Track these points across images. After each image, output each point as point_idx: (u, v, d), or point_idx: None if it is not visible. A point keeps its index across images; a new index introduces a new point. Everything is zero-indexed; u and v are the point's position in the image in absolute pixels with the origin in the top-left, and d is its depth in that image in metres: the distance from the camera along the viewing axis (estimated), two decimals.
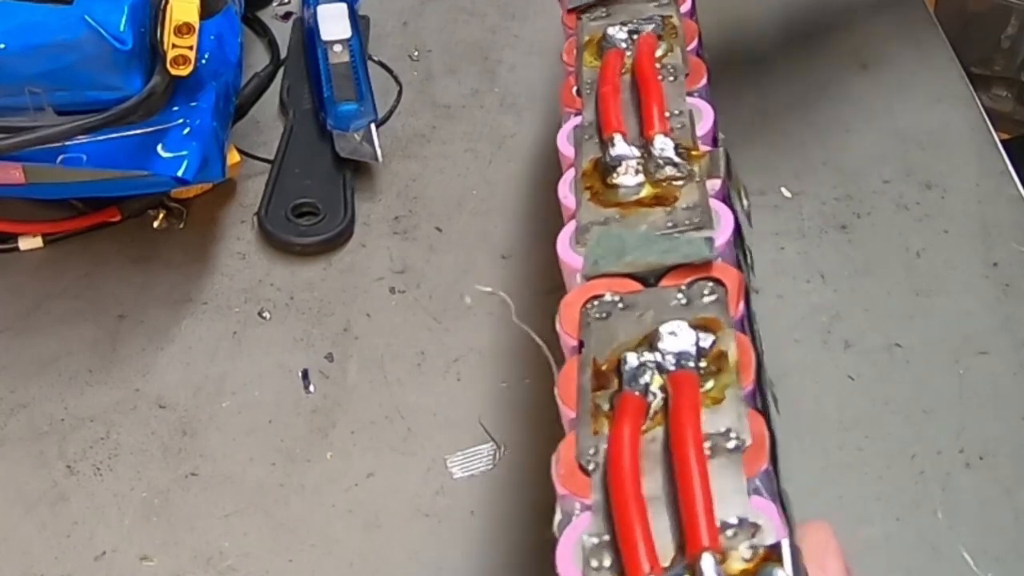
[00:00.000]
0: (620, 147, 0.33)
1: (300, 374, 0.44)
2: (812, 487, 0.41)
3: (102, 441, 0.42)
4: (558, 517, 0.26)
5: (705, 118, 0.35)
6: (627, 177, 0.33)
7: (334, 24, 0.55)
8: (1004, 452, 0.41)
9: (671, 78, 0.36)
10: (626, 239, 0.30)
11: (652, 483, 0.26)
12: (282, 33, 0.57)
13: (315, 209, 0.49)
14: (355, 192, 0.50)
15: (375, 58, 0.57)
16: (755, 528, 0.25)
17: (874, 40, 0.58)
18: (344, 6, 0.56)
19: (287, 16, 0.59)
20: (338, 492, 0.40)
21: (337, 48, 0.54)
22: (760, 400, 0.28)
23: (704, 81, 0.37)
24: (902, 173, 0.52)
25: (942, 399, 0.43)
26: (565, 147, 0.35)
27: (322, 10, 0.56)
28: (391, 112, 0.54)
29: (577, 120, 0.36)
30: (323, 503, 0.40)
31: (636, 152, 0.33)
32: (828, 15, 0.60)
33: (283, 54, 0.56)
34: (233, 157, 0.49)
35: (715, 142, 0.35)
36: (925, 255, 0.48)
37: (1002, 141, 0.54)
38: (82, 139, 0.42)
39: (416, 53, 0.57)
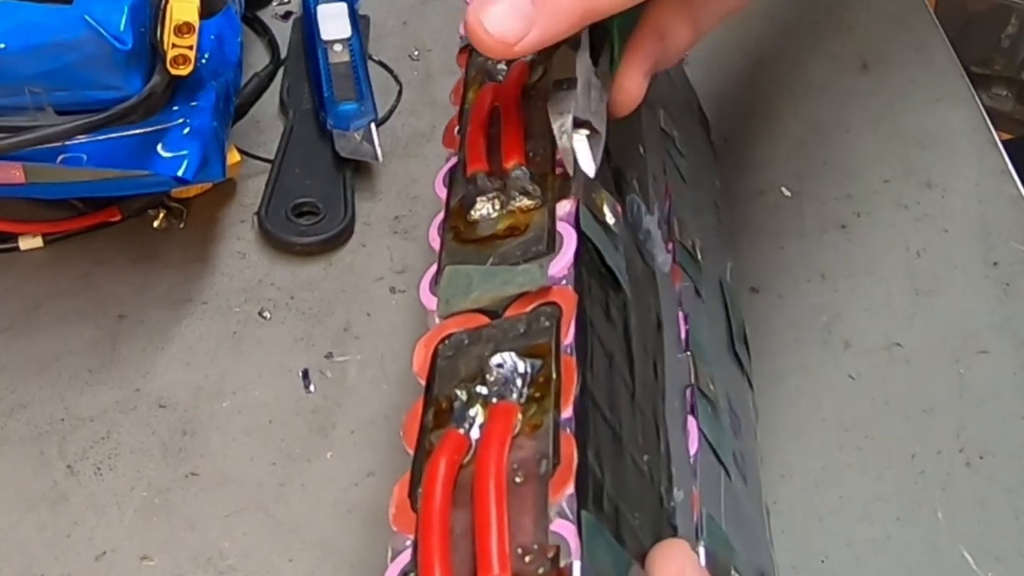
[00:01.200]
0: (481, 183, 0.33)
1: (300, 374, 0.44)
2: (812, 487, 0.41)
3: (102, 441, 0.42)
4: (389, 554, 0.27)
5: None
6: (484, 211, 0.32)
7: (334, 24, 0.55)
8: (1004, 452, 0.41)
9: (540, 101, 0.36)
10: (472, 275, 0.31)
11: (465, 517, 0.26)
12: (282, 33, 0.57)
13: (315, 209, 0.49)
14: (355, 192, 0.50)
15: (375, 58, 0.57)
16: (554, 551, 0.25)
17: (874, 40, 0.58)
18: (344, 6, 0.56)
19: (287, 16, 0.59)
20: (338, 492, 0.40)
21: (337, 48, 0.54)
22: (578, 423, 0.28)
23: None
24: (902, 173, 0.52)
25: (942, 399, 0.43)
26: (440, 189, 0.35)
27: (322, 10, 0.55)
28: (391, 112, 0.54)
29: (454, 160, 0.36)
30: (323, 503, 0.40)
31: (494, 185, 0.33)
32: (828, 15, 0.60)
33: (283, 54, 0.56)
34: (233, 157, 0.49)
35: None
36: (925, 255, 0.48)
37: (1002, 141, 0.54)
38: (82, 139, 0.42)
39: (416, 53, 0.57)
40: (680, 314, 0.36)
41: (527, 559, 0.25)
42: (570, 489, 0.26)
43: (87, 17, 0.40)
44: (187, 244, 0.49)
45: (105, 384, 0.43)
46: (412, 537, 0.27)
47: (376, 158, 0.50)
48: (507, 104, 0.35)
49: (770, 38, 0.59)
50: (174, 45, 0.41)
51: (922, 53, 0.58)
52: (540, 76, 0.36)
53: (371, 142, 0.51)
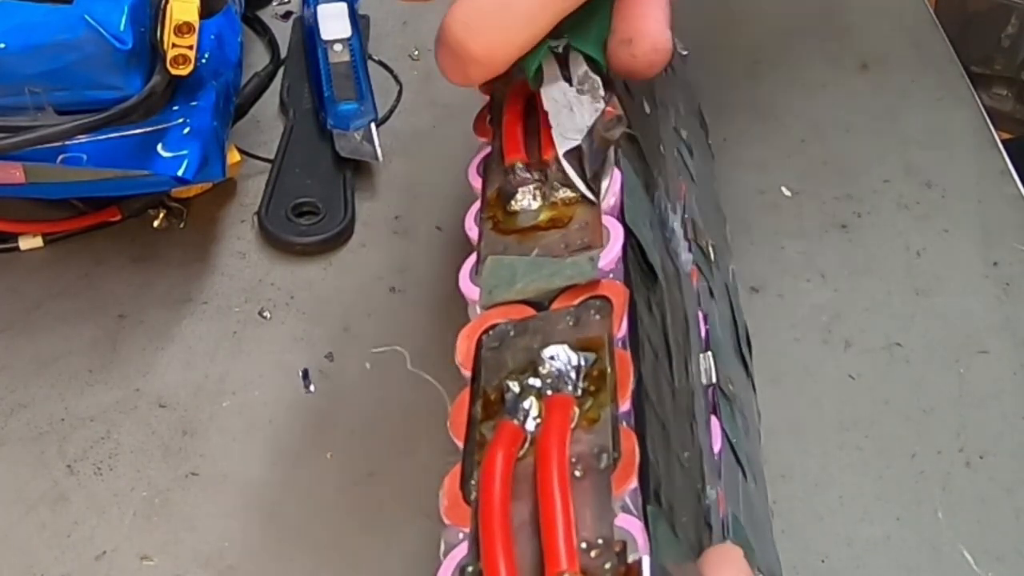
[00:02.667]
0: (520, 173, 0.33)
1: (300, 374, 0.44)
2: (812, 487, 0.41)
3: (102, 441, 0.42)
4: (442, 547, 0.27)
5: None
6: (525, 203, 0.32)
7: (334, 23, 0.55)
8: (1004, 452, 0.41)
9: None
10: (517, 266, 0.30)
11: (525, 509, 0.26)
12: (282, 33, 0.57)
13: (315, 209, 0.49)
14: (355, 192, 0.50)
15: (375, 58, 0.57)
16: (621, 546, 0.25)
17: (874, 40, 0.58)
18: (344, 5, 0.56)
19: (287, 16, 0.59)
20: (338, 492, 0.40)
21: (337, 48, 0.54)
22: (637, 418, 0.28)
23: (612, 95, 0.36)
24: (902, 173, 0.52)
25: (942, 399, 0.43)
26: (473, 178, 0.35)
27: (322, 10, 0.55)
28: (391, 111, 0.54)
29: (487, 150, 0.36)
30: (323, 503, 0.40)
31: (535, 177, 0.33)
32: (828, 15, 0.60)
33: (283, 54, 0.56)
34: (233, 157, 0.49)
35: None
36: (925, 255, 0.48)
37: (1002, 141, 0.54)
38: (82, 139, 0.42)
39: (416, 52, 0.57)
40: (700, 313, 0.36)
41: (592, 554, 0.25)
42: (633, 483, 0.26)
43: (87, 17, 0.40)
44: (187, 244, 0.49)
45: (105, 384, 0.43)
46: (466, 530, 0.27)
47: (376, 158, 0.50)
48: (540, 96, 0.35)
49: (770, 38, 0.59)
50: (174, 45, 0.41)
51: (922, 53, 0.58)
52: None
53: (371, 142, 0.51)
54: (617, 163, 0.32)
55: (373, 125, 0.51)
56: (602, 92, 0.34)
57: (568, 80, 0.34)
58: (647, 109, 0.38)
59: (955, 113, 0.55)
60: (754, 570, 0.30)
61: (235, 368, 0.44)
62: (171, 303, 0.46)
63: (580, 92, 0.33)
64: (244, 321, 0.46)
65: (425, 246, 0.49)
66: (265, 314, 0.46)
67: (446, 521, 0.27)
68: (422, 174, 0.52)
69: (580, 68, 0.34)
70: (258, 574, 0.38)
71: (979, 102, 0.56)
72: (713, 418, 0.34)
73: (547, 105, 0.33)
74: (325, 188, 0.50)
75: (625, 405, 0.27)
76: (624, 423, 0.27)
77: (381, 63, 0.56)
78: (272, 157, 0.51)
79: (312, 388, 0.44)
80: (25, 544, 0.39)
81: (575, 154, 0.32)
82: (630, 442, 0.26)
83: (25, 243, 0.48)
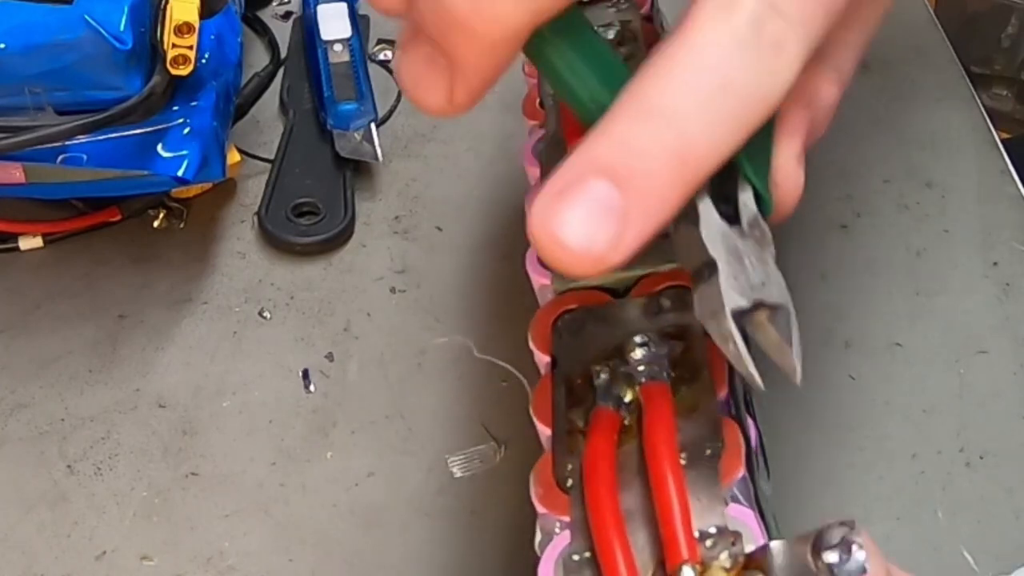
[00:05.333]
0: None
1: (300, 374, 0.44)
2: (812, 487, 0.41)
3: (102, 441, 0.42)
4: (538, 537, 0.26)
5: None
6: None
7: (334, 24, 0.55)
8: (1004, 452, 0.41)
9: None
10: None
11: (630, 497, 0.26)
12: (282, 33, 0.57)
13: (315, 209, 0.49)
14: (355, 192, 0.50)
15: (375, 58, 0.57)
16: (735, 536, 0.24)
17: (874, 40, 0.58)
18: (344, 6, 0.56)
19: (287, 16, 0.59)
20: (338, 492, 0.40)
21: (337, 48, 0.54)
22: (734, 407, 0.27)
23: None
24: (902, 173, 0.52)
25: (942, 399, 0.43)
26: (530, 162, 0.34)
27: (322, 10, 0.56)
28: (391, 111, 0.54)
29: (540, 133, 0.35)
30: (323, 503, 0.40)
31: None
32: None
33: (283, 54, 0.56)
34: (233, 157, 0.49)
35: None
36: (925, 255, 0.48)
37: (1002, 140, 0.54)
38: (82, 139, 0.42)
39: None
40: None
41: (708, 543, 0.24)
42: (742, 472, 0.25)
43: (87, 17, 0.40)
44: (187, 244, 0.49)
45: (105, 384, 0.43)
46: (564, 519, 0.26)
47: (376, 158, 0.50)
48: None
49: None
50: (174, 45, 0.41)
51: (922, 53, 0.58)
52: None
53: (371, 142, 0.51)
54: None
55: (373, 125, 0.51)
56: (771, 246, 0.27)
57: (726, 214, 0.26)
58: None
59: (955, 113, 0.55)
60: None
61: (235, 368, 0.44)
62: (171, 303, 0.46)
63: (747, 238, 0.26)
64: (244, 321, 0.46)
65: (425, 246, 0.49)
66: (265, 314, 0.46)
67: (541, 509, 0.27)
68: (422, 174, 0.52)
69: (751, 207, 0.27)
70: (258, 574, 0.38)
71: (979, 102, 0.56)
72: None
73: (712, 251, 0.25)
74: (325, 188, 0.50)
75: (722, 394, 0.27)
76: (724, 412, 0.27)
77: (381, 63, 0.56)
78: (272, 157, 0.51)
79: (312, 388, 0.44)
80: (25, 544, 0.39)
81: (738, 319, 0.25)
82: (733, 431, 0.26)
83: (25, 243, 0.48)
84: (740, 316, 0.25)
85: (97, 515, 0.40)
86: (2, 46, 0.40)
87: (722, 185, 0.26)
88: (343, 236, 0.49)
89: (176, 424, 0.42)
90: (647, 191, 0.23)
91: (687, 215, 0.25)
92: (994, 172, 0.52)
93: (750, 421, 0.33)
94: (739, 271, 0.25)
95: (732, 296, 0.25)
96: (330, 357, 0.45)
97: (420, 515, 0.40)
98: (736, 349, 0.25)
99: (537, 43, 0.26)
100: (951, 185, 0.51)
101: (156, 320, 0.46)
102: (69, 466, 0.41)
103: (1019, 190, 0.51)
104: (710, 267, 0.25)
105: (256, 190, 0.50)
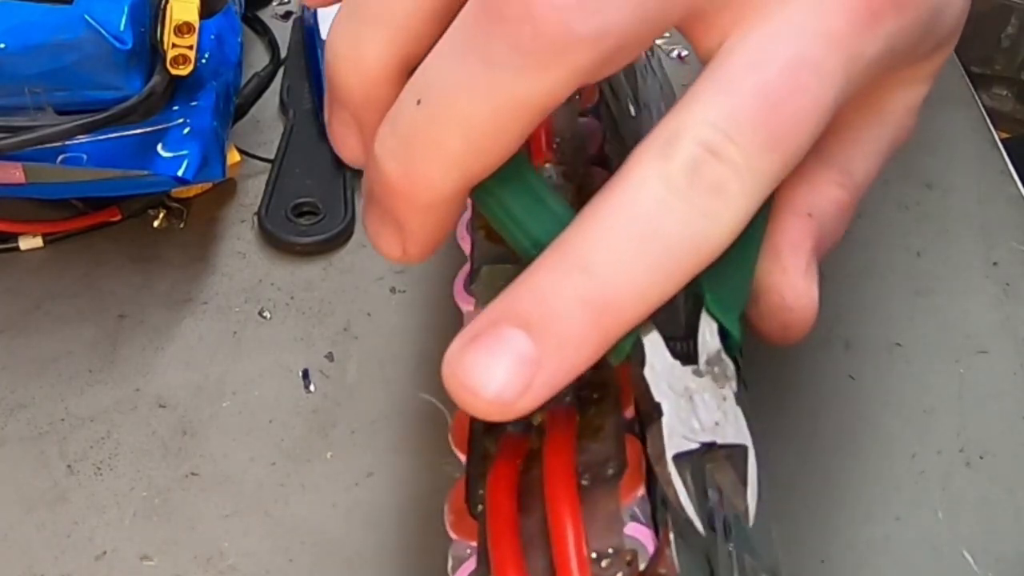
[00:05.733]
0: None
1: (300, 374, 0.44)
2: (812, 487, 0.41)
3: (102, 441, 0.42)
4: (450, 563, 0.27)
5: (593, 139, 0.34)
6: None
7: None
8: (1004, 452, 0.41)
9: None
10: (513, 276, 0.30)
11: (532, 522, 0.26)
12: (282, 33, 0.57)
13: (315, 209, 0.49)
14: (355, 192, 0.50)
15: None
16: (631, 555, 0.25)
17: None
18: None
19: (287, 16, 0.59)
20: (338, 492, 0.40)
21: None
22: (639, 425, 0.27)
23: (596, 99, 0.36)
24: (902, 173, 0.52)
25: (942, 399, 0.43)
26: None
27: (322, 10, 0.55)
28: None
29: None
30: (323, 503, 0.40)
31: (556, 177, 0.32)
32: None
33: (283, 54, 0.56)
34: (233, 157, 0.49)
35: (602, 154, 0.34)
36: (925, 255, 0.48)
37: (1002, 140, 0.54)
38: (82, 139, 0.42)
39: None
40: None
41: (603, 563, 0.24)
42: (641, 491, 0.25)
43: (87, 17, 0.40)
44: (187, 244, 0.49)
45: (105, 384, 0.43)
46: (474, 544, 0.26)
47: None
48: None
49: None
50: (174, 45, 0.41)
51: None
52: None
53: None
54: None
55: None
56: (733, 382, 0.26)
57: (680, 352, 0.26)
58: (632, 112, 0.38)
59: (955, 113, 0.55)
60: (759, 572, 0.30)
61: (235, 368, 0.44)
62: (171, 303, 0.46)
63: (702, 376, 0.26)
64: (244, 321, 0.46)
65: None
66: (265, 314, 0.46)
67: (453, 536, 0.27)
68: None
69: (712, 343, 0.26)
70: (258, 574, 0.38)
71: (979, 102, 0.56)
72: None
73: (657, 395, 0.25)
74: (325, 188, 0.50)
75: (629, 412, 0.27)
76: (629, 430, 0.27)
77: None
78: (272, 157, 0.51)
79: (312, 388, 0.44)
80: (25, 544, 0.39)
81: (685, 462, 0.25)
82: (635, 449, 0.26)
83: (25, 243, 0.48)
84: (688, 458, 0.25)
85: (97, 515, 0.40)
86: (2, 46, 0.40)
87: (691, 317, 0.26)
88: (343, 236, 0.49)
89: (176, 424, 0.42)
90: (561, 342, 0.23)
91: (636, 354, 0.25)
92: (994, 172, 0.52)
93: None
94: (688, 413, 0.25)
95: (676, 440, 0.25)
96: (330, 357, 0.45)
97: (420, 515, 0.40)
98: (675, 495, 0.25)
99: (477, 193, 0.26)
100: (951, 185, 0.51)
101: (156, 320, 0.46)
102: (69, 466, 0.41)
103: (1019, 190, 0.51)
104: (657, 410, 0.25)
105: (256, 190, 0.50)
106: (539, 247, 0.25)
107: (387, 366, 0.44)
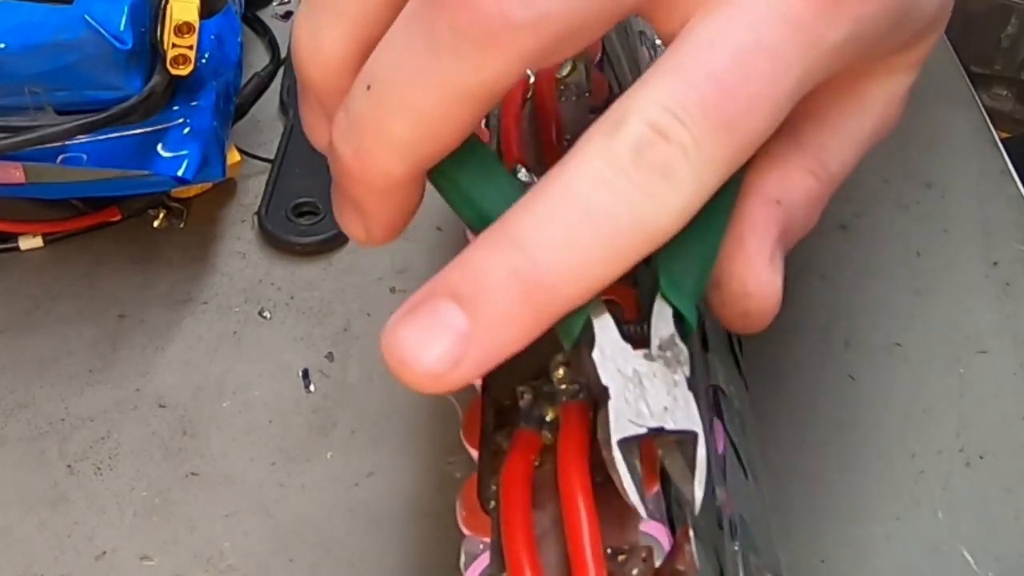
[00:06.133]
0: (522, 176, 0.32)
1: (300, 374, 0.44)
2: (812, 487, 0.41)
3: (102, 441, 0.42)
4: (463, 558, 0.27)
5: None
6: None
7: None
8: (1004, 451, 0.41)
9: (573, 97, 0.35)
10: None
11: (546, 518, 0.26)
12: (282, 33, 0.57)
13: (315, 209, 0.49)
14: None
15: None
16: (647, 551, 0.25)
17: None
18: None
19: (287, 16, 0.59)
20: (338, 492, 0.40)
21: None
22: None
23: (606, 97, 0.36)
24: (902, 173, 0.52)
25: (942, 398, 0.43)
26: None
27: None
28: None
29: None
30: (323, 503, 0.40)
31: (536, 180, 0.32)
32: None
33: (283, 54, 0.56)
34: (233, 156, 0.49)
35: None
36: (925, 255, 0.48)
37: (1002, 140, 0.54)
38: (82, 138, 0.42)
39: None
40: None
41: (619, 559, 0.24)
42: (656, 488, 0.25)
43: (87, 17, 0.40)
44: (187, 244, 0.49)
45: (105, 384, 0.43)
46: (487, 540, 0.26)
47: None
48: (542, 96, 0.35)
49: None
50: (174, 45, 0.41)
51: None
52: (570, 71, 0.36)
53: None
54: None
55: None
56: (685, 367, 0.25)
57: (633, 335, 0.25)
58: None
59: (955, 113, 0.55)
60: (764, 572, 0.30)
61: (235, 368, 0.44)
62: (171, 303, 0.46)
63: (653, 360, 0.25)
64: (244, 321, 0.46)
65: (425, 246, 0.49)
66: (265, 314, 0.46)
67: (465, 531, 0.27)
68: None
69: (666, 328, 0.25)
70: (258, 574, 0.38)
71: (979, 102, 0.56)
72: (715, 419, 0.33)
73: (604, 377, 0.25)
74: (325, 188, 0.49)
75: None
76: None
77: None
78: (272, 157, 0.51)
79: (312, 388, 0.44)
80: (25, 544, 0.39)
81: (632, 446, 0.24)
82: (650, 447, 0.26)
83: (25, 243, 0.48)
84: (635, 443, 0.24)
85: (97, 515, 0.40)
86: (2, 46, 0.40)
87: (645, 299, 0.26)
88: (343, 236, 0.49)
89: (176, 424, 0.42)
90: (492, 317, 0.23)
91: (585, 336, 0.25)
92: (994, 172, 0.52)
93: (718, 426, 0.33)
94: (636, 397, 0.24)
95: (622, 424, 0.24)
96: (330, 357, 0.45)
97: (420, 515, 0.40)
98: (619, 479, 0.24)
99: (433, 175, 0.27)
100: (951, 185, 0.51)
101: (156, 320, 0.46)
102: (69, 466, 0.41)
103: (1019, 190, 0.51)
104: (603, 393, 0.24)
105: (256, 190, 0.50)
106: (486, 221, 0.25)
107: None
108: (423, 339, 0.23)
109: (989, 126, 0.54)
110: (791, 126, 0.27)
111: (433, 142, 0.25)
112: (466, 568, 0.26)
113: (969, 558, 0.38)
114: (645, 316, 0.25)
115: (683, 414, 0.25)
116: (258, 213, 0.49)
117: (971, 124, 0.54)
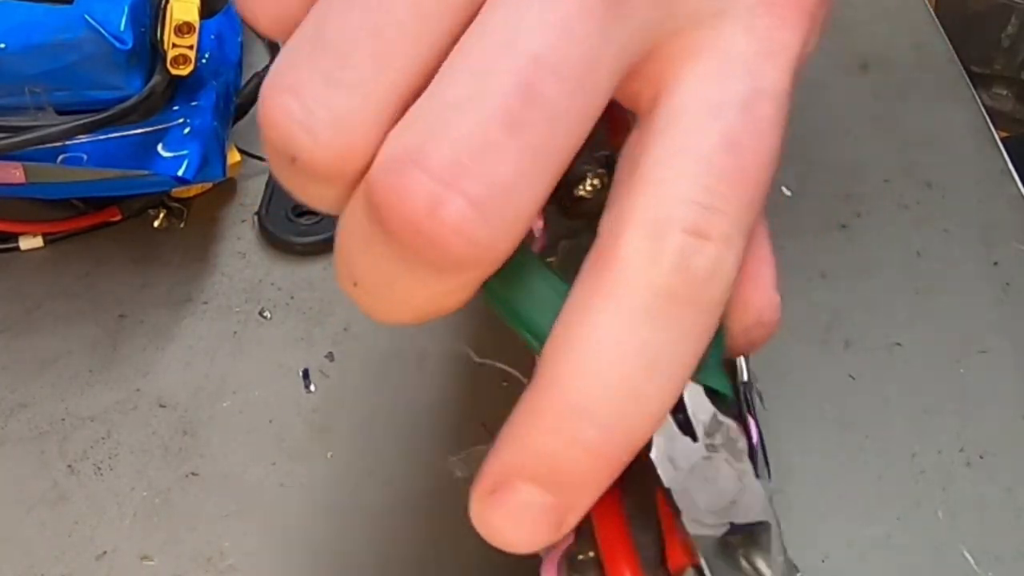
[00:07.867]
0: (584, 156, 0.32)
1: (300, 374, 0.44)
2: (812, 487, 0.41)
3: (102, 441, 0.42)
4: None
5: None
6: (591, 190, 0.29)
7: None
8: (1004, 451, 0.41)
9: None
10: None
11: (632, 498, 0.26)
12: None
13: (315, 209, 0.49)
14: None
15: None
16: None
17: (874, 40, 0.58)
18: None
19: None
20: (338, 492, 0.40)
21: None
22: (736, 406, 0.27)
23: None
24: (902, 173, 0.52)
25: (942, 398, 0.43)
26: None
27: None
28: None
29: None
30: (323, 503, 0.40)
31: (595, 166, 0.32)
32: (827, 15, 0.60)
33: None
34: (233, 156, 0.49)
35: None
36: (925, 254, 0.48)
37: (1002, 140, 0.54)
38: (82, 138, 0.42)
39: None
40: None
41: None
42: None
43: (87, 17, 0.40)
44: (187, 244, 0.49)
45: (105, 384, 0.43)
46: None
47: None
48: None
49: None
50: (174, 45, 0.41)
51: (922, 53, 0.58)
52: None
53: None
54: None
55: None
56: (741, 443, 0.24)
57: (685, 427, 0.24)
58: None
59: (955, 113, 0.55)
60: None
61: (235, 368, 0.44)
62: (171, 303, 0.46)
63: (711, 448, 0.24)
64: (244, 321, 0.46)
65: None
66: (265, 314, 0.46)
67: None
68: None
69: (703, 410, 0.24)
70: (258, 574, 0.38)
71: (979, 102, 0.56)
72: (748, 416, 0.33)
73: (665, 478, 0.23)
74: None
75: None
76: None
77: None
78: None
79: (312, 388, 0.44)
80: (25, 544, 0.39)
81: (708, 545, 0.23)
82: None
83: (25, 243, 0.48)
84: (712, 542, 0.23)
85: (97, 515, 0.40)
86: (2, 46, 0.40)
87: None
88: None
89: (176, 424, 0.42)
90: (575, 486, 0.22)
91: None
92: (994, 172, 0.52)
93: (751, 421, 0.33)
94: (700, 495, 0.23)
95: (693, 525, 0.23)
96: (330, 357, 0.45)
97: (420, 515, 0.40)
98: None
99: (484, 293, 0.25)
100: (951, 185, 0.51)
101: (156, 320, 0.46)
102: (69, 466, 0.41)
103: (1019, 190, 0.51)
104: (668, 495, 0.23)
105: (256, 190, 0.50)
106: (541, 340, 0.23)
107: (387, 366, 0.44)
108: (517, 526, 0.23)
109: (989, 126, 0.54)
110: None
111: (439, 313, 0.24)
112: (546, 548, 0.26)
113: (969, 558, 0.38)
114: (679, 406, 0.24)
115: (753, 505, 0.24)
116: (258, 213, 0.49)
117: (971, 124, 0.54)
